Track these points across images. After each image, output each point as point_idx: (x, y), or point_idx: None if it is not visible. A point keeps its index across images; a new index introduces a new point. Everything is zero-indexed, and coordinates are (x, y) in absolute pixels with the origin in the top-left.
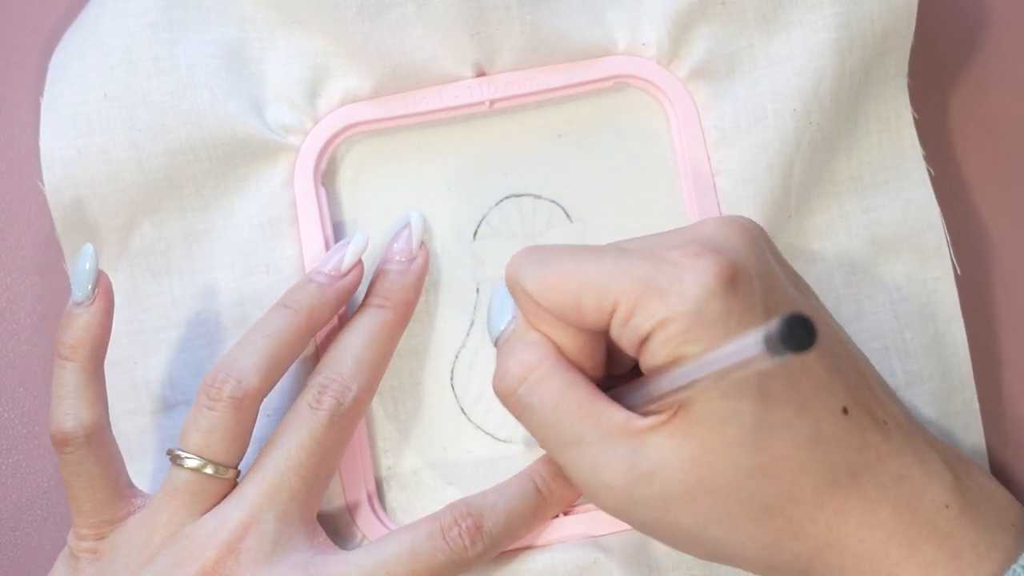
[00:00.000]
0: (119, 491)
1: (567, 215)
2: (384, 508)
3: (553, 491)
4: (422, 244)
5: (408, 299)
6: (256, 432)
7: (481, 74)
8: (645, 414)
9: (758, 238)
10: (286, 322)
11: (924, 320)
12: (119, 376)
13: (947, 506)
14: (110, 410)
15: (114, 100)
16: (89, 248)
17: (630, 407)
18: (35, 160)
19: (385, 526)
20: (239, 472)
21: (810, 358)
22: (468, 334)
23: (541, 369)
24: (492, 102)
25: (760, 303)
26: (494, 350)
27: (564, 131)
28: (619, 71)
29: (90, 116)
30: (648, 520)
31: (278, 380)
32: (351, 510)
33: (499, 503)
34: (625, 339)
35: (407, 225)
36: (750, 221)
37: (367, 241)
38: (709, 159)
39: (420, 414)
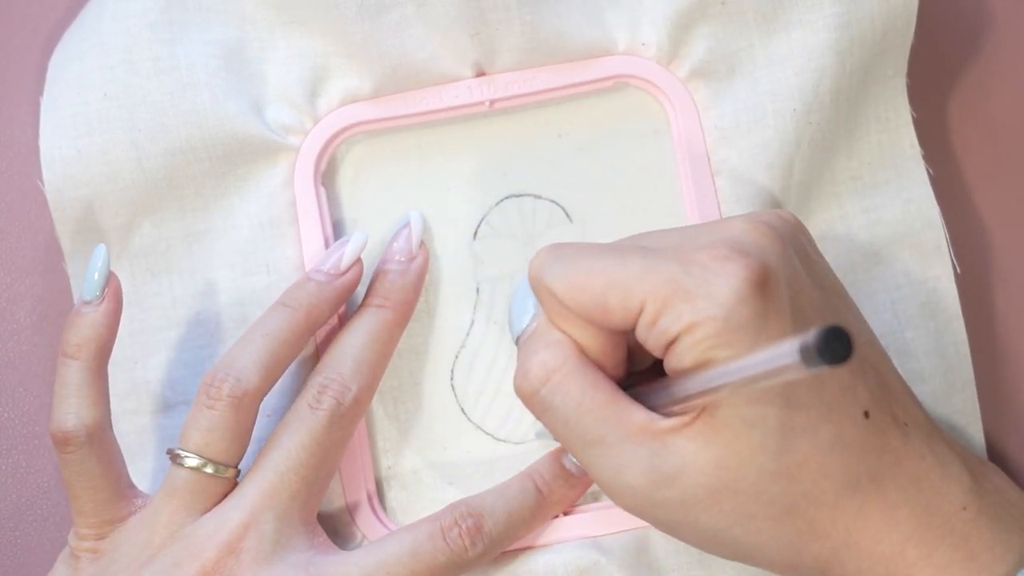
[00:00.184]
0: (120, 491)
1: (567, 215)
2: (384, 508)
3: (553, 491)
4: (422, 244)
5: (408, 299)
6: (256, 432)
7: (481, 74)
8: (667, 415)
9: (785, 239)
10: (285, 321)
11: (924, 319)
12: (119, 376)
13: (964, 508)
14: (110, 410)
15: (114, 100)
16: (102, 248)
17: (651, 407)
18: (35, 160)
19: (385, 526)
20: (239, 472)
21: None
22: (468, 334)
23: (564, 370)
24: (492, 102)
25: (787, 307)
26: (494, 350)
27: (564, 131)
28: (619, 71)
29: (90, 116)
30: (670, 521)
31: (278, 379)
32: (351, 510)
33: (499, 504)
34: (651, 341)
35: (407, 225)
36: (779, 218)
37: (366, 239)
38: (709, 159)
39: (420, 414)
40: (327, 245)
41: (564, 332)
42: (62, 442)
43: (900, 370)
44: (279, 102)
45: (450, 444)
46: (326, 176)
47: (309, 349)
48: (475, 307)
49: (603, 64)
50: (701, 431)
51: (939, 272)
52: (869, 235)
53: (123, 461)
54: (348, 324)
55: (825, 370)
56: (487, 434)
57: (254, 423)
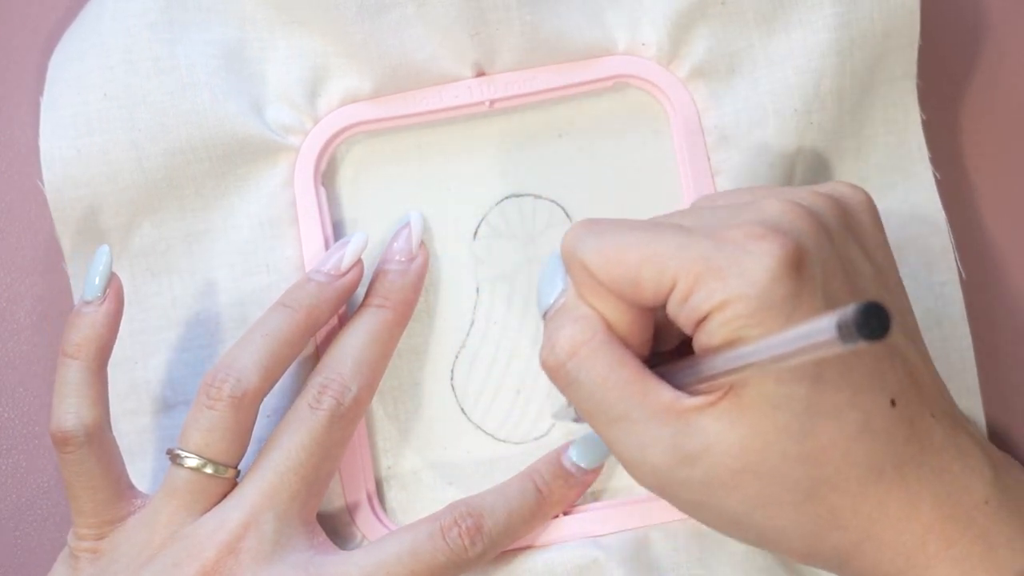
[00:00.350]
0: (120, 491)
1: (567, 215)
2: (384, 508)
3: (553, 491)
4: (422, 244)
5: (408, 299)
6: (256, 432)
7: (481, 74)
8: (693, 393)
9: (823, 220)
10: (285, 321)
11: (929, 324)
12: (119, 376)
13: (986, 501)
14: (110, 410)
15: (114, 100)
16: (105, 249)
17: (678, 386)
18: (35, 160)
19: (385, 526)
20: (239, 472)
21: (866, 346)
22: (468, 334)
23: (591, 344)
24: (492, 102)
25: (820, 289)
26: (494, 350)
27: (564, 131)
28: (619, 71)
29: (90, 116)
30: (691, 501)
31: (278, 379)
32: (351, 510)
33: (499, 503)
34: (683, 317)
35: (407, 225)
36: (826, 197)
37: (366, 240)
38: (709, 159)
39: (420, 414)
40: (327, 245)
41: (593, 308)
42: (62, 442)
43: None
44: (279, 102)
45: (450, 444)
46: (326, 176)
47: (309, 349)
48: (475, 307)
49: (603, 64)
50: (727, 411)
51: (945, 278)
52: None
53: (123, 461)
54: (348, 324)
55: (863, 346)
56: (487, 434)
57: (254, 423)
